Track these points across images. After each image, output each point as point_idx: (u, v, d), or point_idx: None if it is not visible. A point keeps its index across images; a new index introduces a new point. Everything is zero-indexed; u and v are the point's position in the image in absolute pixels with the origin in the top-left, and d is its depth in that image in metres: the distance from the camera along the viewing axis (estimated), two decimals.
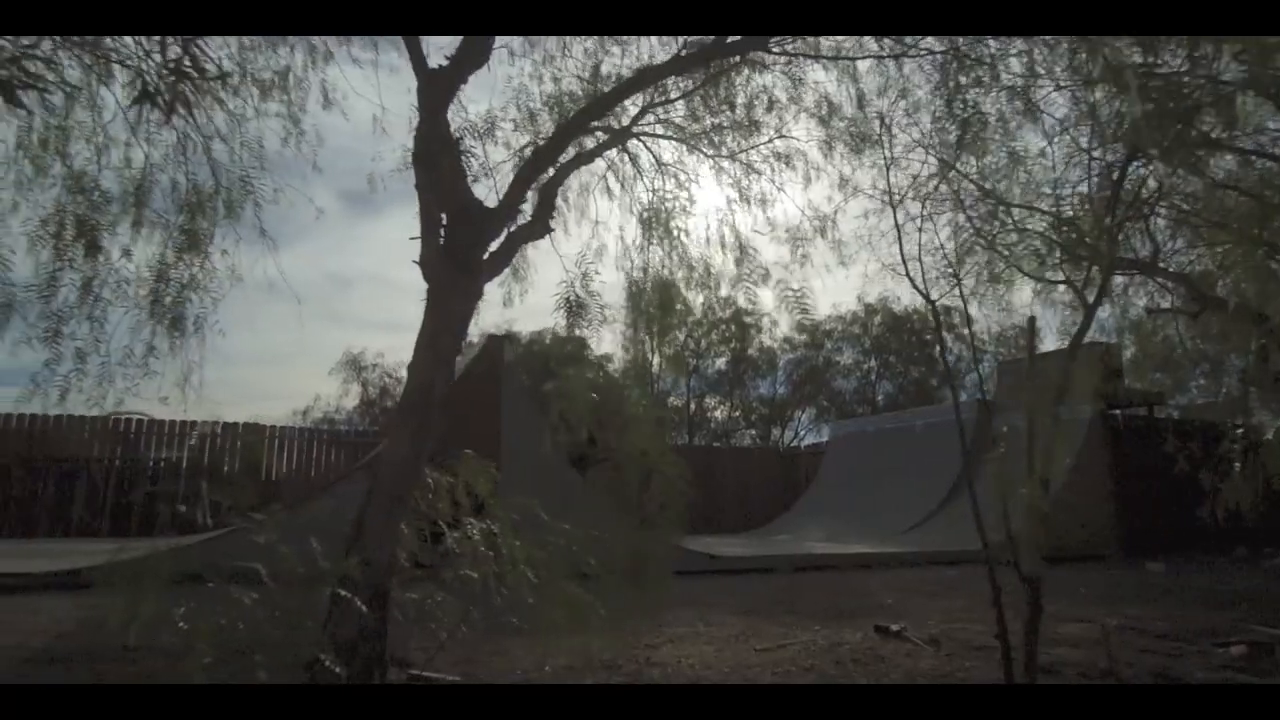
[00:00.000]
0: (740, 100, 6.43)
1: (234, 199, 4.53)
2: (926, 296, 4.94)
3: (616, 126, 6.20)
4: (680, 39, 4.25)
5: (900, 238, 5.15)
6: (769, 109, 6.46)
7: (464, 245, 3.28)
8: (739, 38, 4.02)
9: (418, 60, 3.39)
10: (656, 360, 26.58)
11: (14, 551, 10.16)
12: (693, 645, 6.01)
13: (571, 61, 5.24)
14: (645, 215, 7.19)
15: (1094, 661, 5.10)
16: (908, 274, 5.08)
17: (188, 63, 2.87)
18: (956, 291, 5.40)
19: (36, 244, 4.27)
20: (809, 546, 12.54)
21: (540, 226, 3.77)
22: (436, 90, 3.42)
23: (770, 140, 6.62)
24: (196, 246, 4.45)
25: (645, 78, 4.31)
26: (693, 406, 26.86)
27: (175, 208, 4.56)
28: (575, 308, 5.56)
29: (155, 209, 4.59)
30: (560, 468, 9.76)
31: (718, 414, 26.69)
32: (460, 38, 3.67)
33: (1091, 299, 4.66)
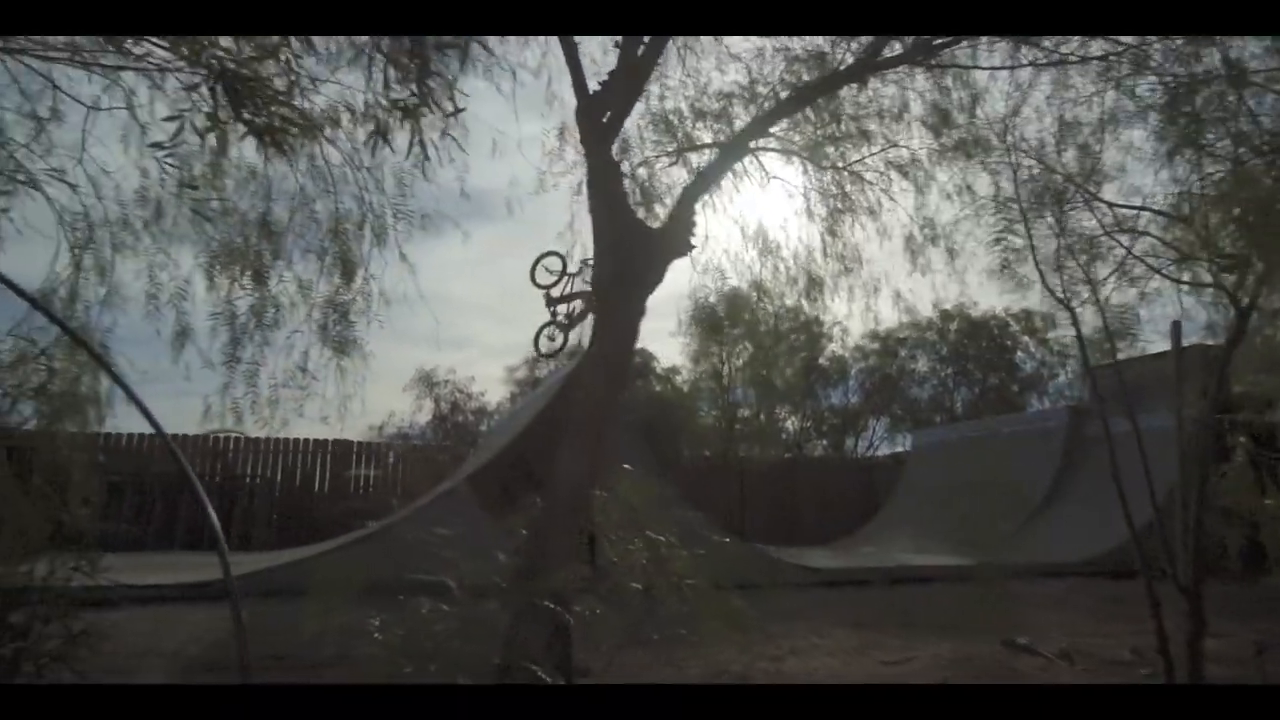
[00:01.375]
0: (851, 111, 6.43)
1: (382, 226, 4.71)
2: (1066, 305, 4.86)
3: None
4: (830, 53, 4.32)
5: (1032, 245, 5.09)
6: (881, 118, 6.44)
7: (633, 267, 3.38)
8: (898, 49, 4.05)
9: (579, 85, 3.53)
10: (728, 371, 26.57)
11: (138, 565, 10.71)
12: (815, 658, 6.00)
13: (714, 78, 5.34)
14: (742, 226, 7.23)
15: (1249, 680, 4.90)
16: (1043, 281, 5.01)
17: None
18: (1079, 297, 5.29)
19: (210, 273, 4.55)
20: (902, 558, 12.34)
21: (685, 244, 3.86)
22: (596, 114, 3.55)
23: (883, 150, 6.59)
24: (350, 273, 4.66)
25: (804, 95, 4.37)
26: (763, 416, 26.69)
27: (326, 235, 4.76)
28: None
29: (303, 236, 4.81)
30: (654, 484, 9.82)
31: (789, 424, 26.44)
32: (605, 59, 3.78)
33: (1246, 301, 4.52)
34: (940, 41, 4.18)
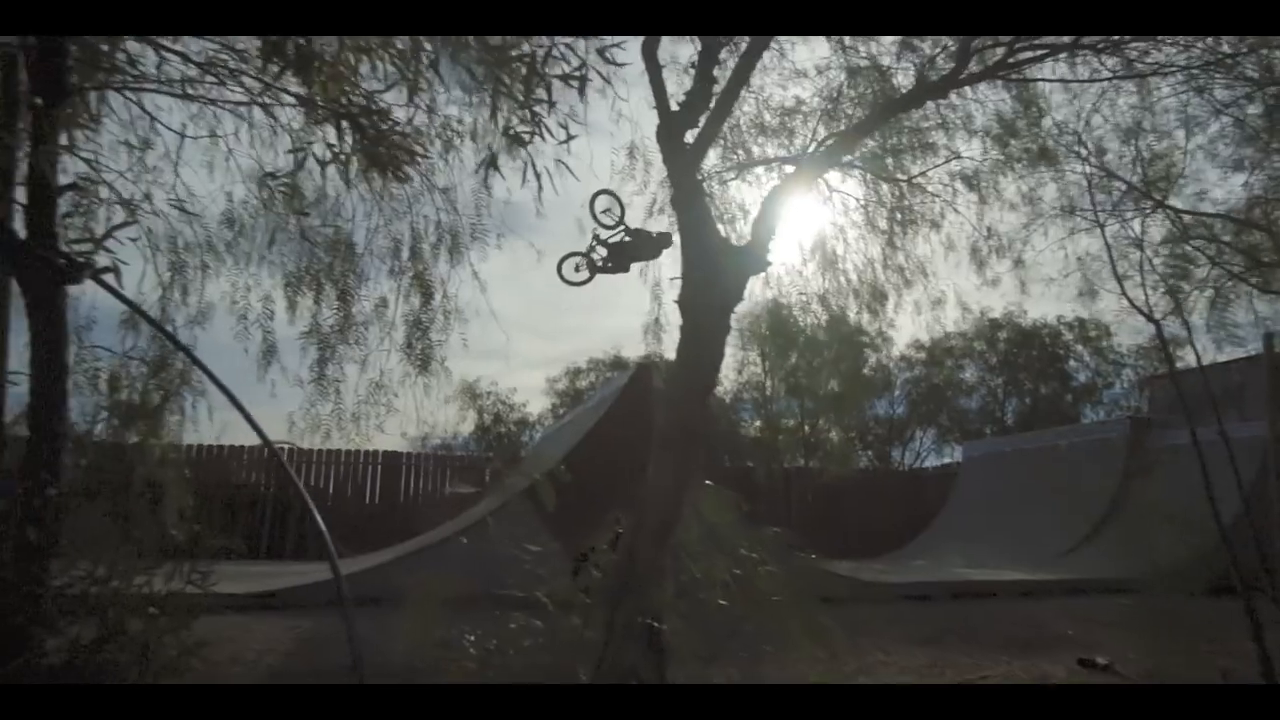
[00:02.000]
0: (913, 123, 6.39)
1: (458, 246, 4.78)
2: (1149, 316, 4.77)
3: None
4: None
5: (1112, 257, 5.01)
6: (946, 129, 6.39)
7: (720, 286, 3.40)
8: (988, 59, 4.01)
9: (662, 105, 3.56)
10: (770, 383, 26.37)
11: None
12: (886, 677, 5.91)
13: (777, 93, 5.37)
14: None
15: None
16: (1123, 293, 4.92)
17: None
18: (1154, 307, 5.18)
19: (294, 292, 4.68)
20: (960, 572, 12.09)
21: (763, 261, 3.86)
22: (677, 134, 3.58)
23: (945, 161, 6.53)
24: (429, 292, 4.75)
25: (892, 108, 4.37)
26: (807, 428, 26.45)
27: (406, 255, 4.85)
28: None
29: (382, 256, 4.92)
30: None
31: (833, 435, 26.15)
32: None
33: None
34: (1025, 56, 4.14)
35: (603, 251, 5.29)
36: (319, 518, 3.49)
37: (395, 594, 5.57)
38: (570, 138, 2.82)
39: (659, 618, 3.44)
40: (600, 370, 29.92)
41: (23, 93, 2.97)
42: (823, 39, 5.02)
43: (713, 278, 3.35)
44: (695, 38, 3.93)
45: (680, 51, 4.68)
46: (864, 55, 5.04)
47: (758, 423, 26.26)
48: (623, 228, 5.51)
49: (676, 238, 4.03)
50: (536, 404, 29.31)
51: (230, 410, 3.77)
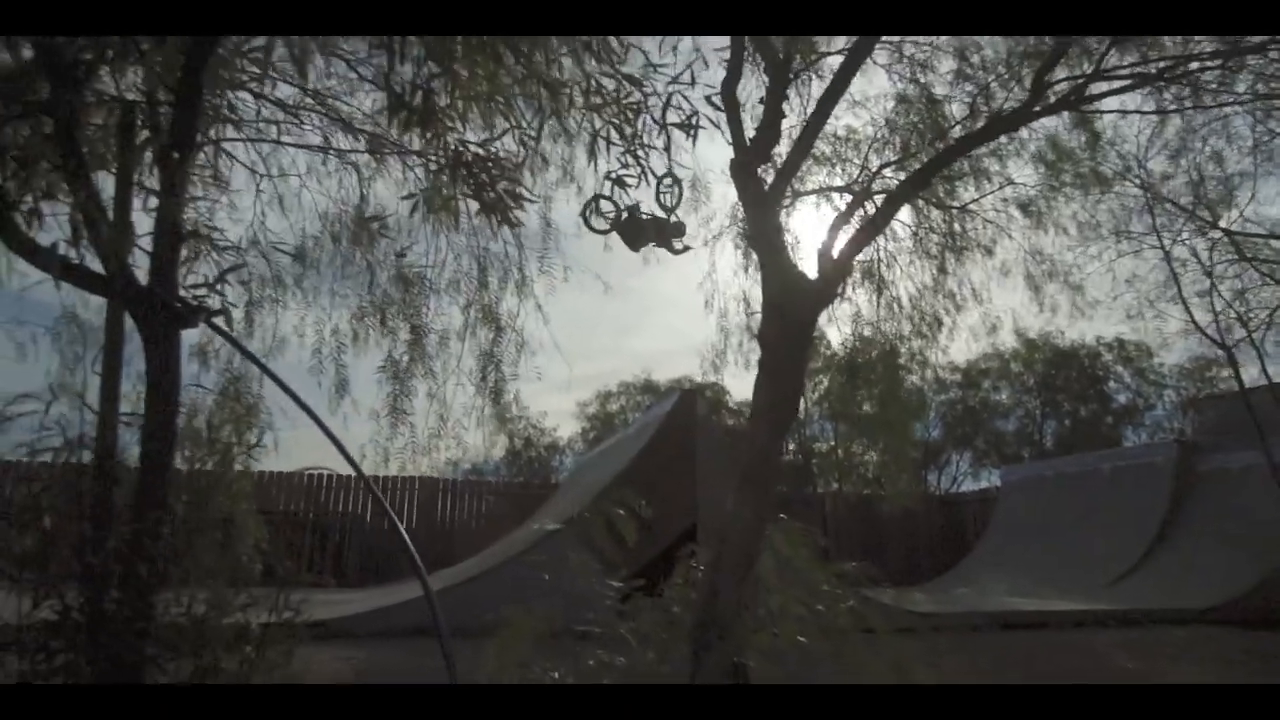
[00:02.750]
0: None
1: (525, 280, 4.84)
2: (1221, 344, 4.71)
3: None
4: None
5: (1179, 282, 4.96)
6: (999, 158, 6.39)
7: (798, 319, 3.43)
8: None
9: (737, 138, 3.62)
10: (804, 405, 26.23)
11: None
12: None
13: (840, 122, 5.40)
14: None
15: None
16: (1191, 320, 4.88)
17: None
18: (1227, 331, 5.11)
19: (363, 326, 4.77)
20: (1009, 602, 11.85)
21: (835, 294, 3.88)
22: (752, 168, 3.63)
23: (1000, 187, 6.52)
24: (498, 324, 4.81)
25: (969, 141, 4.40)
26: (840, 452, 26.26)
27: (474, 289, 4.91)
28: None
29: (449, 289, 4.99)
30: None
31: (868, 458, 25.90)
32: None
33: None
34: (1105, 89, 4.16)
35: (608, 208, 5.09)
36: (410, 545, 3.54)
37: (455, 623, 5.58)
38: (675, 181, 2.88)
39: (743, 654, 3.43)
40: (630, 394, 29.97)
41: (155, 145, 3.12)
42: (882, 71, 5.09)
43: (791, 311, 3.38)
44: (764, 75, 4.00)
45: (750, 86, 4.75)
46: (935, 78, 5.09)
47: (791, 446, 26.14)
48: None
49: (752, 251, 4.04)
50: (568, 428, 29.25)
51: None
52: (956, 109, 5.21)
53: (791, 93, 4.84)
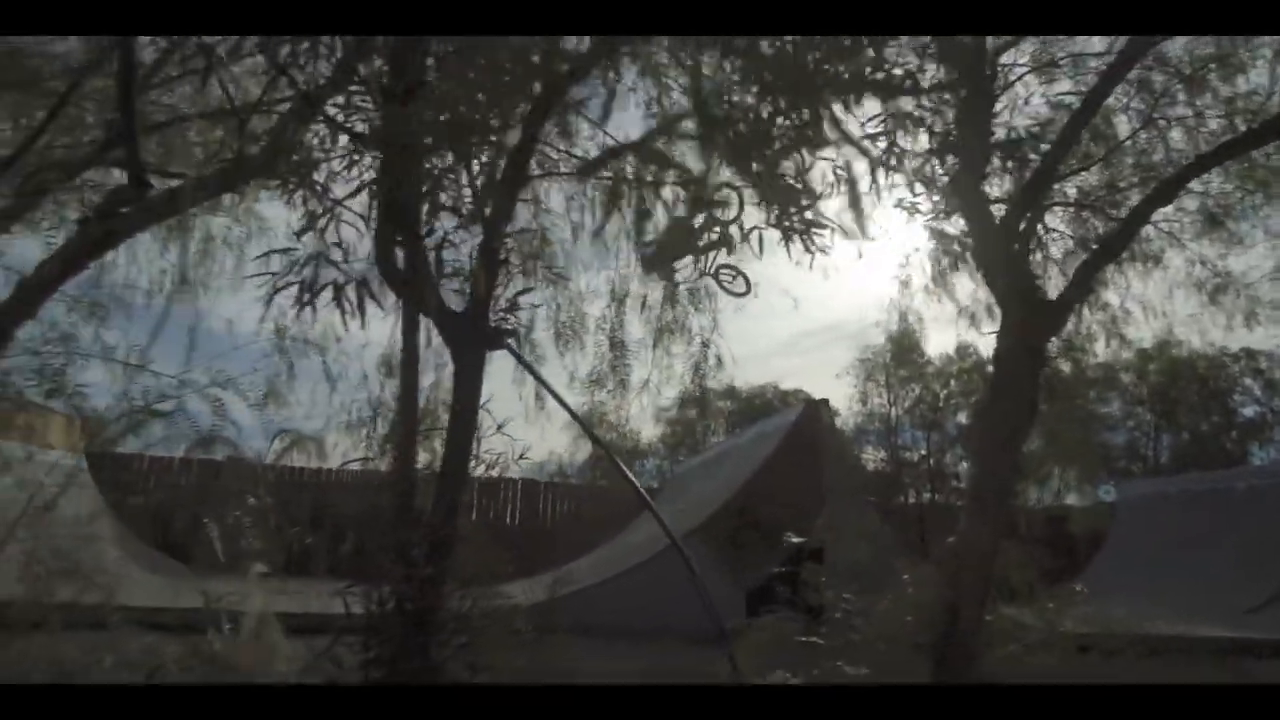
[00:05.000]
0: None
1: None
2: None
3: None
4: None
5: None
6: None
7: (1037, 337, 3.41)
8: None
9: (969, 160, 3.63)
10: (894, 414, 25.60)
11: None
12: None
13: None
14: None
15: None
16: None
17: None
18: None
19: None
20: (1146, 625, 11.33)
21: (1069, 313, 3.82)
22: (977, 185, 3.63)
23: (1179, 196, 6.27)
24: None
25: (1221, 156, 4.30)
26: (932, 462, 25.61)
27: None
28: None
29: None
30: (883, 536, 9.63)
31: (961, 469, 25.19)
32: None
33: None
34: None
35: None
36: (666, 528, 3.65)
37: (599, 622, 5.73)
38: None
39: (977, 657, 3.44)
40: (709, 398, 29.83)
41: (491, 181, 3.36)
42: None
43: (1032, 333, 3.36)
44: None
45: None
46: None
47: (880, 454, 25.60)
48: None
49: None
50: (649, 432, 29.36)
51: None
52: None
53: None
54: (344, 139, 3.49)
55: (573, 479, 25.01)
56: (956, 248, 5.43)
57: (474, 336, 3.18)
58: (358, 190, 3.57)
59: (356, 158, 3.57)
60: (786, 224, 2.60)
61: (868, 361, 25.63)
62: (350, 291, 3.50)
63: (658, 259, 3.50)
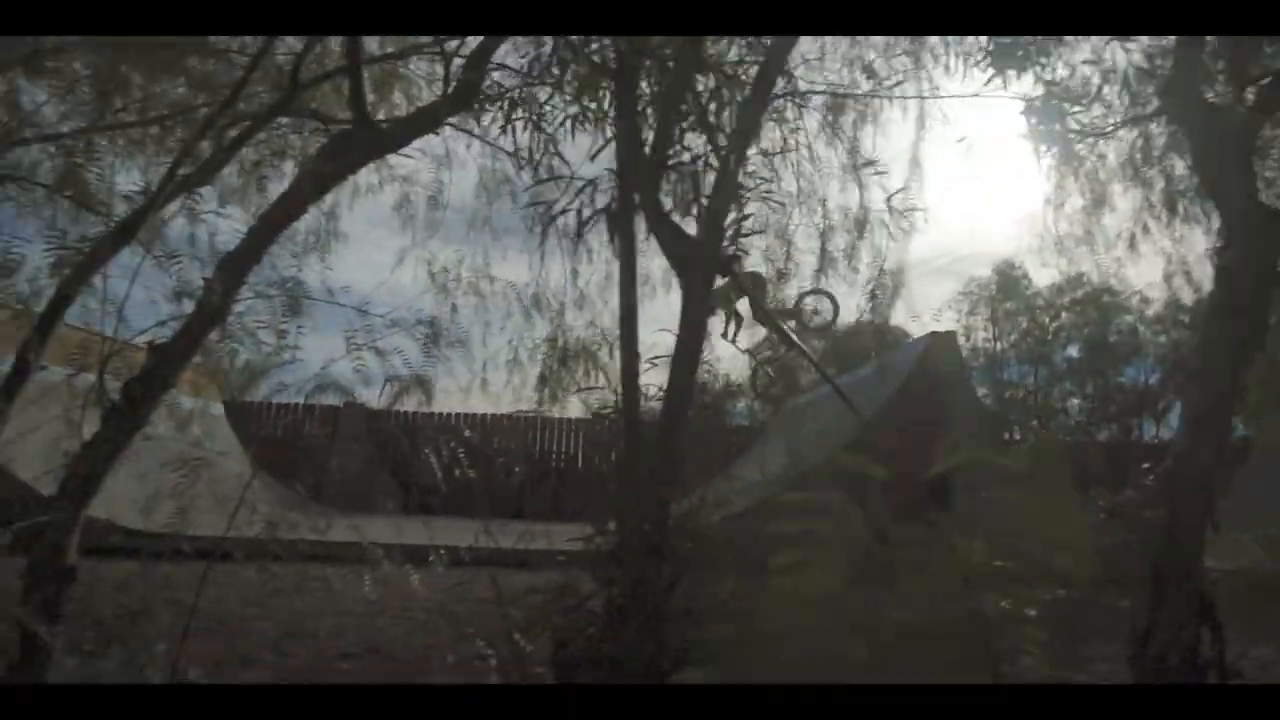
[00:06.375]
0: None
1: None
2: None
3: None
4: None
5: None
6: None
7: (1269, 253, 3.23)
8: None
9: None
10: (999, 347, 24.66)
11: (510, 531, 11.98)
12: None
13: None
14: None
15: None
16: None
17: None
18: None
19: None
20: None
21: None
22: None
23: None
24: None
25: None
26: (1038, 397, 24.79)
27: None
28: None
29: None
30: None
31: (1071, 404, 24.36)
32: None
33: None
34: None
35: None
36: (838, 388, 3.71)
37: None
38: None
39: (1209, 595, 3.37)
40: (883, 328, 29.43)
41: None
42: None
43: (1260, 246, 3.18)
44: None
45: None
46: None
47: (983, 391, 24.85)
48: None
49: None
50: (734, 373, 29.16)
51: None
52: None
53: None
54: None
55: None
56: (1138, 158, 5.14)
57: (706, 264, 3.21)
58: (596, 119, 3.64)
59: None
60: None
61: (971, 295, 24.78)
62: (614, 220, 3.62)
63: None
